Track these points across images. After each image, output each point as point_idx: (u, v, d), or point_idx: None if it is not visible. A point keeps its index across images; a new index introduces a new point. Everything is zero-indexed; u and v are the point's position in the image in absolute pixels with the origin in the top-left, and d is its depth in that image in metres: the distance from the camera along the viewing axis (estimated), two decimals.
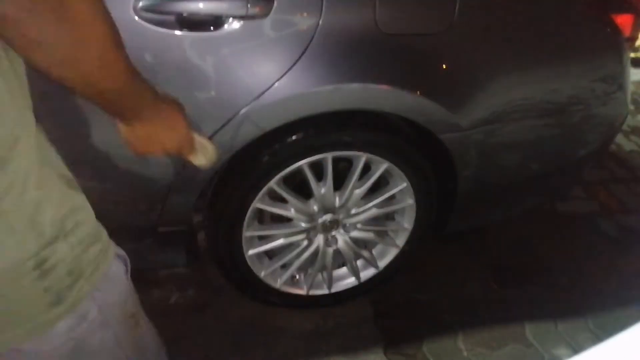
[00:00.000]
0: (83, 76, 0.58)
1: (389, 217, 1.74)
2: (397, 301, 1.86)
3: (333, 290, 1.75)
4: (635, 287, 1.90)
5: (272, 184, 1.45)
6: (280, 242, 1.60)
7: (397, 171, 1.54)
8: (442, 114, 1.42)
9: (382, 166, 1.52)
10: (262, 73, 1.27)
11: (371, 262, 1.74)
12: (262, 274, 1.64)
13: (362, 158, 1.49)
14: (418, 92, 1.37)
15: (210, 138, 1.29)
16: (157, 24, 1.17)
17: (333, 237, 1.65)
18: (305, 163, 1.44)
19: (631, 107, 2.77)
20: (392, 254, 1.76)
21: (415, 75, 1.39)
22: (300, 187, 1.54)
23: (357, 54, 1.32)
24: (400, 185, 1.59)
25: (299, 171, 1.46)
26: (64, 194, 0.69)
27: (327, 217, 1.58)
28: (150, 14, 1.17)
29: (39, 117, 0.68)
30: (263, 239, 1.63)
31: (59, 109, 1.22)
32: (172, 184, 1.36)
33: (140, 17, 1.16)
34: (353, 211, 1.61)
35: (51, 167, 0.69)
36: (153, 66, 1.23)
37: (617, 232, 2.30)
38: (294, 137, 1.39)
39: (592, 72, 1.65)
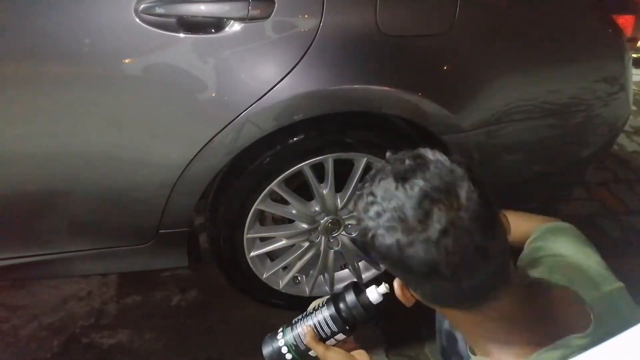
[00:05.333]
0: None
1: None
2: (399, 302, 1.85)
3: (334, 292, 1.75)
4: (638, 287, 1.88)
5: (274, 185, 1.45)
6: (281, 243, 1.60)
7: None
8: (443, 115, 1.42)
9: None
10: (264, 75, 1.27)
11: (373, 263, 1.74)
12: (264, 276, 1.64)
13: (363, 159, 1.49)
14: (419, 94, 1.37)
15: (211, 140, 1.30)
16: (158, 26, 1.18)
17: (335, 238, 1.65)
18: (307, 164, 1.44)
19: (633, 107, 2.76)
20: None
21: (416, 77, 1.39)
22: (301, 189, 1.54)
23: (358, 55, 1.32)
24: None
25: (301, 173, 1.47)
26: None
27: (329, 218, 1.58)
28: (151, 16, 1.17)
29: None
30: (265, 240, 1.63)
31: (59, 109, 1.23)
32: (174, 186, 1.36)
33: (141, 19, 1.17)
34: (355, 212, 1.60)
35: None
36: (154, 68, 1.24)
37: (620, 233, 2.29)
38: (295, 139, 1.39)
39: (594, 72, 1.64)
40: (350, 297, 1.00)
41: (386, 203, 0.70)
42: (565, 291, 0.79)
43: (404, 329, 1.74)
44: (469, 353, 0.81)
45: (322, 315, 1.00)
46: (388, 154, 0.78)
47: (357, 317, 0.99)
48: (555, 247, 0.92)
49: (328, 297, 1.04)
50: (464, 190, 0.67)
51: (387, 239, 0.69)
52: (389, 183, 0.71)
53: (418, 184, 0.68)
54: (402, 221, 0.68)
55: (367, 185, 0.76)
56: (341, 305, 1.00)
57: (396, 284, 0.81)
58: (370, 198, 0.73)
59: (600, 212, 2.44)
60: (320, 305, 1.03)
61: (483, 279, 0.70)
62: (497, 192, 1.84)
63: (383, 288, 1.00)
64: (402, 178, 0.70)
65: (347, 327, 1.00)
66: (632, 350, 0.54)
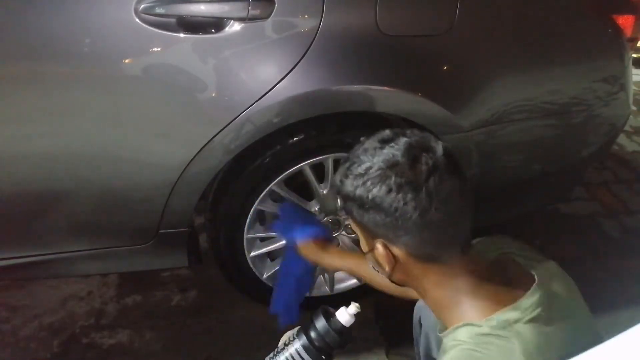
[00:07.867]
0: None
1: None
2: (398, 302, 1.85)
3: (335, 291, 1.75)
4: (638, 287, 1.89)
5: (274, 185, 1.45)
6: (282, 243, 1.60)
7: None
8: (443, 115, 1.42)
9: None
10: (264, 75, 1.27)
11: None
12: (264, 276, 1.64)
13: None
14: (419, 94, 1.37)
15: (211, 140, 1.30)
16: (158, 26, 1.18)
17: (335, 238, 1.65)
18: (307, 164, 1.44)
19: (633, 107, 2.75)
20: None
21: (416, 77, 1.39)
22: (302, 188, 1.54)
23: (358, 55, 1.32)
24: None
25: (301, 172, 1.47)
26: None
27: (329, 218, 1.58)
28: (151, 16, 1.17)
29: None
30: (265, 240, 1.63)
31: (59, 109, 1.23)
32: (174, 186, 1.36)
33: (140, 19, 1.17)
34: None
35: None
36: (154, 68, 1.24)
37: (620, 233, 2.29)
38: (295, 139, 1.39)
39: (594, 72, 1.64)
40: (321, 324, 0.95)
41: (375, 159, 0.78)
42: (509, 257, 0.92)
43: (404, 329, 1.74)
44: (440, 335, 0.85)
45: (294, 348, 0.95)
46: (362, 138, 0.85)
47: (332, 343, 0.94)
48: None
49: (298, 327, 0.99)
50: (440, 146, 0.79)
51: (381, 186, 0.76)
52: (373, 148, 0.79)
53: (402, 140, 0.79)
54: (393, 166, 0.76)
55: (348, 159, 0.82)
56: (312, 334, 0.94)
57: (380, 245, 0.82)
58: (356, 161, 0.80)
59: (600, 212, 2.44)
60: (291, 338, 0.97)
61: (461, 223, 0.80)
62: (497, 192, 1.85)
63: (353, 308, 0.96)
64: (385, 141, 0.79)
65: (323, 357, 0.94)
66: (632, 350, 0.54)
